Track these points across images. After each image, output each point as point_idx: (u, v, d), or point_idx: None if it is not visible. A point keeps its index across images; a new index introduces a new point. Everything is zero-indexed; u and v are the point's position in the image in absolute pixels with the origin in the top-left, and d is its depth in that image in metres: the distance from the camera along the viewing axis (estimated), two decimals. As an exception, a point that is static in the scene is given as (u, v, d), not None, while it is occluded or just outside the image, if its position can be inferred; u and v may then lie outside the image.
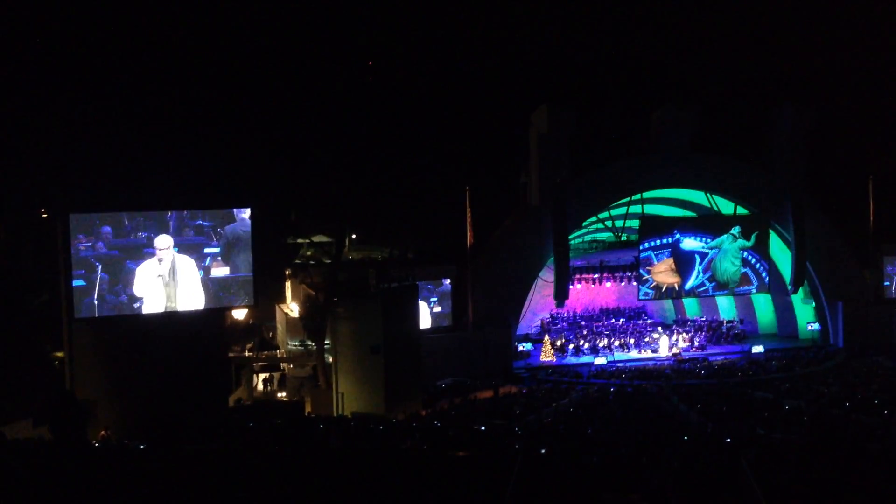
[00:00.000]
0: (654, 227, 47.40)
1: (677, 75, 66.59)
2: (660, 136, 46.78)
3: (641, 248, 46.85)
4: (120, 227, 28.07)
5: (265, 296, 41.73)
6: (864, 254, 48.94)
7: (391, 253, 52.14)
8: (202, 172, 44.47)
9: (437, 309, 43.13)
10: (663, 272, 47.55)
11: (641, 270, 47.11)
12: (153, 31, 54.50)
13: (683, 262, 47.63)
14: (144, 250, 28.44)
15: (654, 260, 47.19)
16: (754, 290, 49.08)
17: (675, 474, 9.30)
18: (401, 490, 6.62)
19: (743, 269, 48.06)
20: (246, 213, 30.17)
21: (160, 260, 28.73)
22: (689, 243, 47.53)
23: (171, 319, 29.14)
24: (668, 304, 53.90)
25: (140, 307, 28.56)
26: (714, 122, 49.52)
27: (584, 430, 23.68)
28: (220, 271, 29.86)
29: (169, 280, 28.93)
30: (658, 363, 44.11)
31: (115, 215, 28.05)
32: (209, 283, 29.71)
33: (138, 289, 28.46)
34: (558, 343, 46.74)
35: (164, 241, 28.82)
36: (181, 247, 29.02)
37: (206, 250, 29.57)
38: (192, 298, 29.47)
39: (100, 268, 27.78)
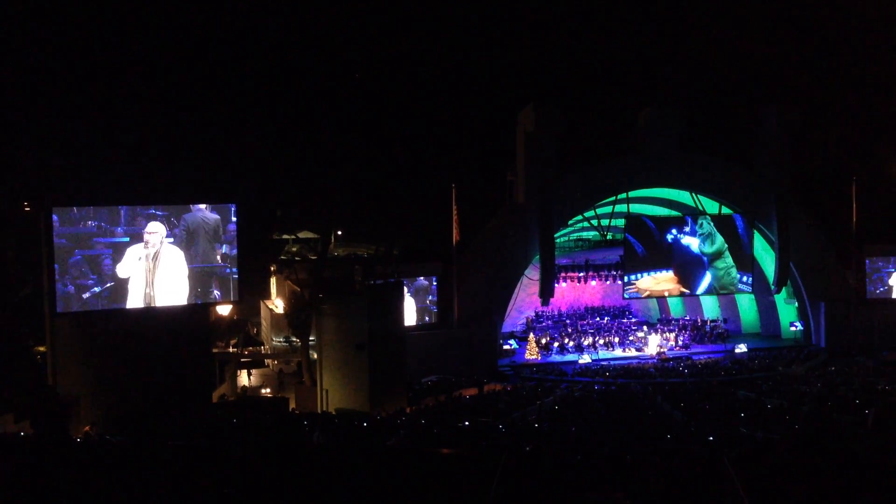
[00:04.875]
0: (640, 226, 47.65)
1: (664, 76, 66.82)
2: (646, 136, 46.95)
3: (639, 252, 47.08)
4: (67, 216, 27.31)
5: (250, 291, 41.61)
6: (847, 255, 49.33)
7: (377, 250, 52.03)
8: (190, 167, 44.28)
9: (413, 304, 42.84)
10: (663, 282, 47.86)
11: (627, 278, 47.25)
12: (137, 27, 54.14)
13: (690, 266, 47.89)
14: (93, 240, 27.72)
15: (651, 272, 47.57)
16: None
17: (658, 472, 9.34)
18: (384, 487, 6.62)
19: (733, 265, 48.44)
20: (203, 205, 29.76)
21: (146, 244, 28.32)
22: (690, 241, 47.80)
23: (154, 315, 28.89)
24: (652, 304, 54.16)
25: (90, 297, 27.73)
26: (700, 122, 49.72)
27: (567, 428, 23.74)
28: None
29: (151, 266, 28.51)
30: (642, 362, 44.30)
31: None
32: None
33: (122, 270, 28.05)
34: (543, 341, 46.86)
35: (153, 227, 28.47)
36: (133, 237, 28.33)
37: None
38: (174, 291, 29.10)
39: None
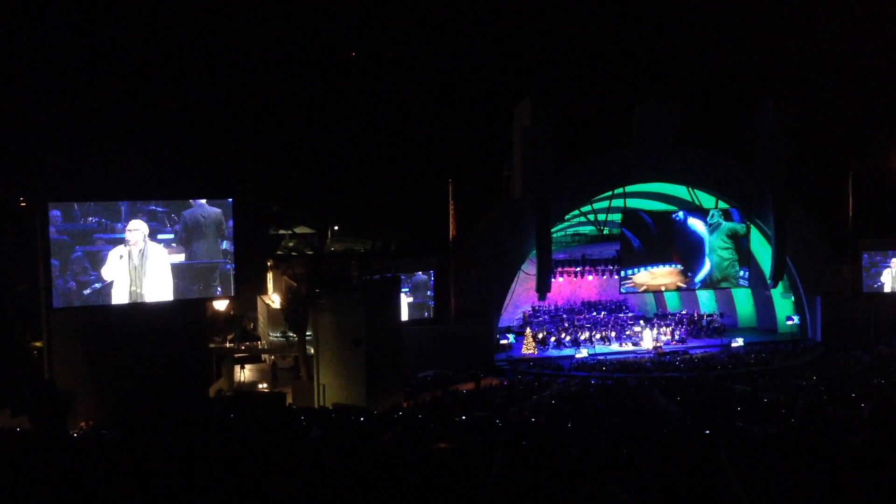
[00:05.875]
0: (635, 220, 47.69)
1: (660, 70, 66.82)
2: (642, 131, 46.96)
3: (635, 246, 47.12)
4: (69, 211, 27.20)
5: (247, 287, 41.55)
6: (843, 249, 49.40)
7: (373, 245, 52.06)
8: (186, 163, 44.23)
9: (410, 299, 42.77)
10: (660, 277, 47.95)
11: (624, 272, 47.32)
12: (133, 21, 53.97)
13: (691, 250, 47.88)
14: (94, 236, 27.56)
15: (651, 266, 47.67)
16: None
17: (654, 466, 9.38)
18: (381, 481, 6.63)
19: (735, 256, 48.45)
20: (203, 199, 29.62)
21: (126, 242, 28.14)
22: (695, 223, 47.86)
23: (151, 310, 28.83)
24: (648, 298, 54.23)
25: (91, 293, 27.58)
26: (696, 117, 49.76)
27: (564, 423, 23.78)
28: (176, 258, 28.97)
29: (138, 264, 28.32)
30: (639, 356, 44.35)
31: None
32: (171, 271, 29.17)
33: (107, 272, 27.91)
34: (540, 336, 46.88)
35: (133, 224, 28.28)
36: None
37: (160, 236, 28.65)
38: (159, 287, 28.92)
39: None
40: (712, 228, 47.84)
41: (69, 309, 27.67)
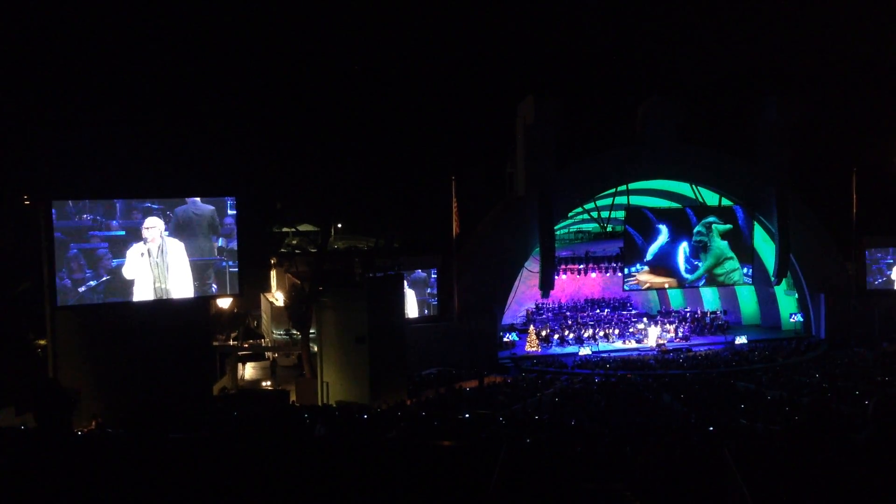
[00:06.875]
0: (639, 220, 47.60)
1: (664, 67, 66.71)
2: (646, 128, 46.85)
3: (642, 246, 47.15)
4: (63, 209, 27.14)
5: (250, 284, 41.55)
6: (847, 246, 49.30)
7: (377, 242, 52.06)
8: (188, 160, 44.18)
9: (413, 296, 42.62)
10: (648, 277, 48.01)
11: (627, 269, 47.33)
12: (133, 17, 53.99)
13: (664, 261, 47.85)
14: (89, 233, 27.55)
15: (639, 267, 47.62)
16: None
17: (658, 463, 9.38)
18: (384, 479, 6.63)
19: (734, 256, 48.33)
20: (198, 197, 29.54)
21: (145, 240, 28.23)
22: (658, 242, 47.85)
23: (154, 308, 28.83)
24: (652, 295, 54.18)
25: (86, 291, 27.56)
26: (700, 114, 49.67)
27: (567, 420, 23.77)
28: None
29: (159, 260, 28.39)
30: (642, 353, 44.33)
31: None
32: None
33: (128, 270, 28.01)
34: (543, 333, 46.88)
35: (150, 222, 28.35)
36: (128, 230, 28.14)
37: None
38: (182, 282, 29.01)
39: None
40: (699, 250, 47.74)
41: (72, 307, 27.69)
